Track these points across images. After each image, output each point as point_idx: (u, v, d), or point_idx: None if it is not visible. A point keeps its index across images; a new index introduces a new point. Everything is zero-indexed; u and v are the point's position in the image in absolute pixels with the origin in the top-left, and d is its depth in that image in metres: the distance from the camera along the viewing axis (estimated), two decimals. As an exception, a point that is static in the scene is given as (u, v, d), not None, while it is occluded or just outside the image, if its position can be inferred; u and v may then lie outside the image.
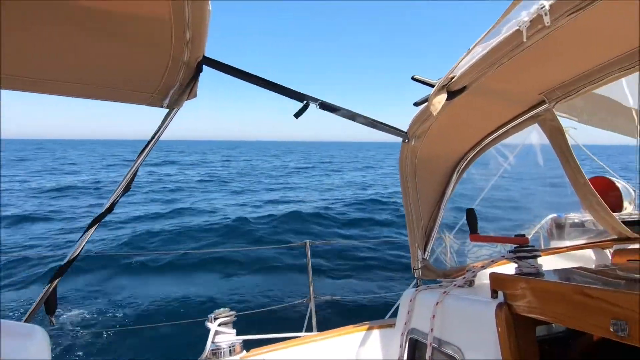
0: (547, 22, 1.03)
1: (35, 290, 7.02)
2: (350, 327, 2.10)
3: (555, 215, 2.27)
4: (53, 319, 1.50)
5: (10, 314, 6.07)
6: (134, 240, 10.62)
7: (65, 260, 1.46)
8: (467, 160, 2.02)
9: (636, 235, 1.85)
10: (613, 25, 1.15)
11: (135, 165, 1.48)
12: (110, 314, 6.25)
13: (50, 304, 1.46)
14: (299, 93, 1.65)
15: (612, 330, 0.95)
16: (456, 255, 2.40)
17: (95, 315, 6.20)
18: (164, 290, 7.16)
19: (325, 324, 2.49)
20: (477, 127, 1.86)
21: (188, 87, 1.42)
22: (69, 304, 6.47)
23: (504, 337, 1.28)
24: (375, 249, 8.95)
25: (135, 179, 1.55)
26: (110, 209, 1.49)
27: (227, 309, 1.99)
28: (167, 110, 1.47)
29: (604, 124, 5.04)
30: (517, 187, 2.55)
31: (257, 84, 1.61)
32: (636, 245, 1.76)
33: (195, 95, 1.50)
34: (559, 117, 4.84)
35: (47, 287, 1.43)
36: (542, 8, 1.01)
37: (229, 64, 1.54)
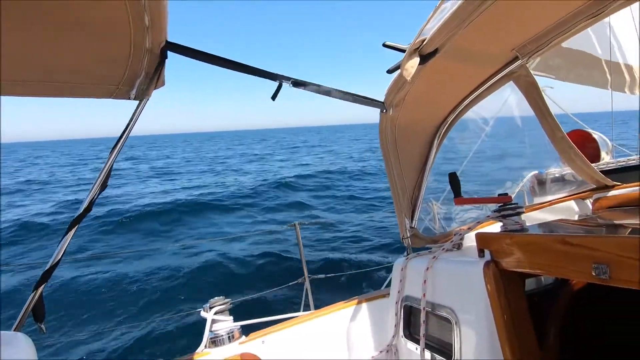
0: None
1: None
2: (346, 302, 2.13)
3: (537, 171, 2.31)
4: (43, 327, 1.47)
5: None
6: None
7: (48, 266, 1.42)
8: (447, 125, 2.01)
9: (614, 183, 1.90)
10: None
11: (109, 162, 1.43)
12: (99, 314, 6.19)
13: (37, 312, 1.42)
14: (270, 73, 1.61)
15: (594, 274, 0.97)
16: (444, 221, 2.44)
17: (83, 316, 6.14)
18: (153, 283, 7.14)
19: (322, 302, 2.52)
20: (453, 90, 1.85)
21: (155, 76, 1.36)
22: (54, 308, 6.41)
23: (493, 294, 1.31)
24: (364, 223, 9.09)
25: (110, 176, 1.51)
26: (88, 209, 1.45)
27: (222, 297, 1.99)
28: (136, 102, 1.42)
29: (581, 79, 5.11)
30: (498, 148, 2.57)
31: (226, 67, 1.56)
32: (614, 192, 1.81)
33: (163, 84, 1.45)
34: (537, 76, 4.85)
35: (32, 294, 1.39)
36: None
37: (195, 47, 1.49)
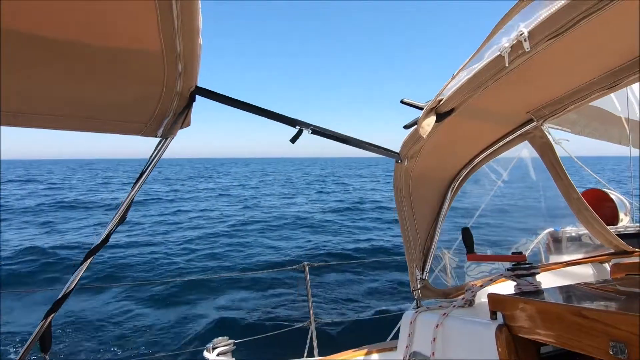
0: (527, 48, 1.06)
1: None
2: (351, 352, 2.07)
3: (552, 229, 2.27)
4: (47, 357, 1.47)
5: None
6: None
7: (60, 295, 1.44)
8: (461, 178, 2.03)
9: (633, 249, 1.85)
10: (592, 47, 1.18)
11: (131, 195, 1.48)
12: (100, 347, 6.07)
13: (45, 341, 1.43)
14: (291, 119, 1.68)
15: (611, 352, 0.94)
16: (456, 273, 2.39)
17: (85, 349, 6.04)
18: (156, 319, 7.01)
19: (327, 348, 2.44)
20: (468, 146, 1.88)
21: (181, 116, 1.44)
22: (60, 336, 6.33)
23: (505, 359, 1.27)
24: (373, 267, 8.86)
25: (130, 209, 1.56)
26: (105, 241, 1.48)
27: (225, 337, 1.96)
28: (160, 139, 1.49)
29: (597, 134, 5.12)
30: (513, 203, 2.55)
31: (249, 111, 1.64)
32: (635, 259, 1.75)
33: (189, 124, 1.52)
34: (552, 130, 4.88)
35: (41, 322, 1.41)
36: (521, 35, 1.04)
37: (222, 92, 1.59)
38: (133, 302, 7.82)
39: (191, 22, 0.95)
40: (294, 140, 1.72)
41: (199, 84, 1.43)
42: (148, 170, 1.48)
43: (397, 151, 1.89)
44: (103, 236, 1.46)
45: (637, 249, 1.84)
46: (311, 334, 3.05)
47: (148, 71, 1.15)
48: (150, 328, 6.67)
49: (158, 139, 1.50)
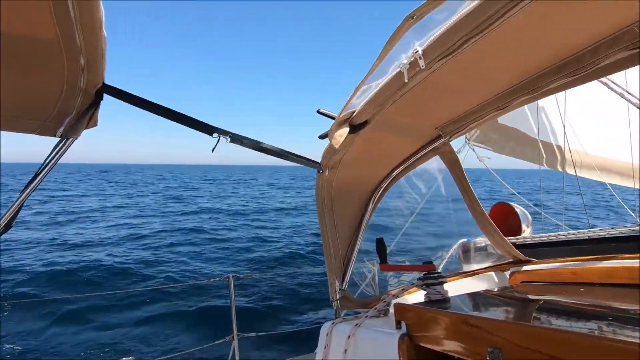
0: (423, 66, 1.11)
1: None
2: None
3: (464, 240, 2.41)
4: None
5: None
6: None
7: None
8: (381, 190, 2.08)
9: (527, 258, 2.02)
10: (482, 69, 1.27)
11: (20, 200, 1.32)
12: None
13: None
14: (209, 126, 1.61)
15: (488, 358, 0.99)
16: (379, 283, 2.43)
17: None
18: (71, 335, 6.40)
19: (250, 363, 2.35)
20: (386, 158, 1.94)
21: (86, 115, 1.32)
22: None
23: None
24: (300, 277, 8.82)
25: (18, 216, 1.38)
26: None
27: (131, 358, 1.80)
28: (60, 139, 1.35)
29: (514, 153, 5.65)
30: (432, 215, 2.68)
31: (162, 115, 1.54)
32: (528, 268, 1.91)
33: (95, 124, 1.40)
34: (476, 147, 5.24)
35: None
36: (416, 52, 1.09)
37: (132, 92, 1.48)
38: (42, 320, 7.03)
39: (90, 13, 0.89)
40: (214, 149, 1.66)
41: (109, 82, 1.33)
42: (43, 173, 1.33)
43: (319, 162, 1.90)
44: None
45: (530, 259, 2.01)
46: (234, 349, 2.93)
47: (45, 62, 1.04)
48: (63, 344, 6.03)
49: (57, 139, 1.37)
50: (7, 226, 1.35)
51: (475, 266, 2.20)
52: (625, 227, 2.04)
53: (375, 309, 1.75)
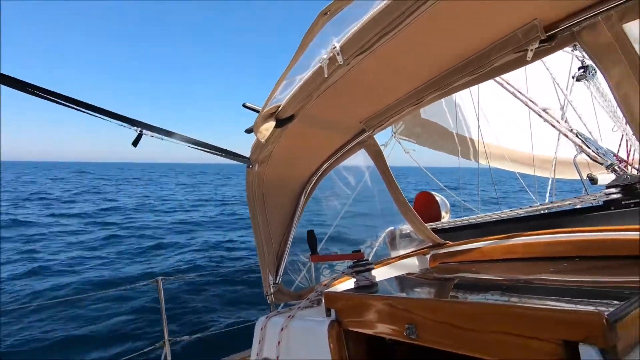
0: (341, 61, 1.15)
1: None
2: None
3: (392, 228, 2.56)
4: None
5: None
6: None
7: None
8: (312, 183, 2.13)
9: (444, 242, 2.21)
10: (399, 67, 1.36)
11: None
12: None
13: None
14: (129, 119, 1.51)
15: (405, 334, 1.08)
16: (313, 275, 2.49)
17: None
18: None
19: (184, 368, 2.26)
20: (315, 152, 1.99)
21: None
22: None
23: (335, 353, 1.35)
24: (232, 275, 8.69)
25: None
26: None
27: None
28: None
29: (436, 146, 6.10)
30: (360, 206, 2.80)
31: (71, 106, 1.41)
32: (445, 250, 2.10)
33: None
34: (402, 140, 5.53)
35: None
36: (334, 48, 1.13)
37: (29, 81, 1.32)
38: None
39: None
40: (135, 143, 1.55)
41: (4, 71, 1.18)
42: None
43: (248, 156, 1.88)
44: None
45: (446, 242, 2.21)
46: (165, 355, 2.80)
47: None
48: None
49: None
50: None
51: (401, 252, 2.35)
52: (523, 208, 2.33)
53: (308, 299, 1.80)
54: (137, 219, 20.14)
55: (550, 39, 1.09)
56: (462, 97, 5.64)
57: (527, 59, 1.14)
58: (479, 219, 2.46)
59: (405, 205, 2.04)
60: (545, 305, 0.87)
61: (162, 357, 2.78)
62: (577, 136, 1.78)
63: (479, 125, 5.47)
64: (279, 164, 1.90)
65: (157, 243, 13.92)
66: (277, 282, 2.04)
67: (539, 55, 1.14)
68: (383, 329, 1.20)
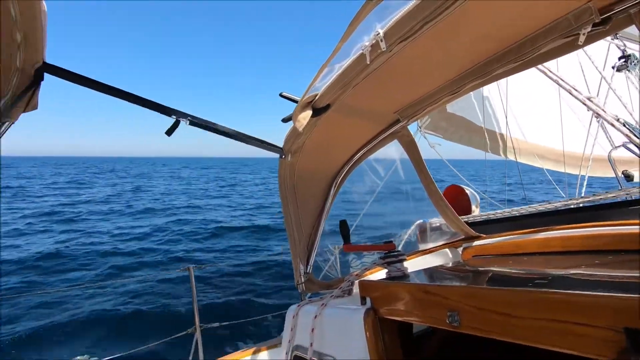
0: (384, 48, 1.15)
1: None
2: (238, 353, 2.01)
3: (421, 221, 2.54)
4: None
5: None
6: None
7: None
8: (343, 174, 2.13)
9: (478, 234, 2.18)
10: (439, 55, 1.35)
11: None
12: None
13: None
14: (166, 107, 1.55)
15: (447, 321, 1.07)
16: (342, 266, 2.51)
17: None
18: (18, 331, 6.00)
19: (214, 354, 2.33)
20: (347, 143, 1.99)
21: (23, 97, 1.22)
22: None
23: (372, 342, 1.35)
24: (263, 265, 8.87)
25: None
26: None
27: (86, 356, 1.72)
28: None
29: (462, 140, 5.97)
30: (391, 198, 2.79)
31: (115, 96, 1.46)
32: (478, 243, 2.07)
33: (35, 107, 1.30)
34: (427, 134, 5.43)
35: None
36: (377, 34, 1.13)
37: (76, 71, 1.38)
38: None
39: None
40: (170, 132, 1.59)
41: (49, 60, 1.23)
42: None
43: (281, 146, 1.90)
44: None
45: (480, 234, 2.17)
46: (196, 341, 2.88)
47: None
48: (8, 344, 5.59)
49: None
50: None
51: (431, 245, 2.33)
52: (553, 203, 2.27)
53: (340, 289, 1.81)
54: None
55: (604, 22, 1.05)
56: (490, 90, 5.50)
57: (579, 43, 1.10)
58: (514, 212, 2.41)
59: (439, 197, 2.02)
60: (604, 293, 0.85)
61: (194, 342, 2.87)
62: (624, 125, 1.70)
63: (506, 119, 5.33)
64: (311, 154, 1.92)
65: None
66: (307, 271, 2.07)
67: (590, 39, 1.10)
68: (423, 317, 1.20)
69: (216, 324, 3.06)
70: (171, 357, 4.26)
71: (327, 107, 1.56)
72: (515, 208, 2.43)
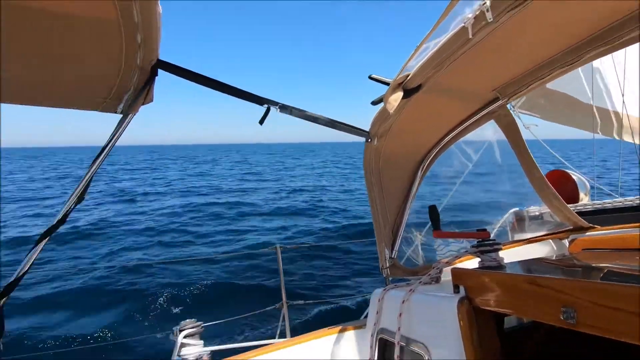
0: (490, 18, 1.05)
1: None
2: (323, 330, 2.08)
3: (517, 208, 2.34)
4: (0, 344, 1.40)
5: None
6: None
7: (13, 278, 1.37)
8: (431, 157, 2.04)
9: (589, 225, 1.93)
10: (553, 22, 1.19)
11: (89, 174, 1.41)
12: (57, 335, 5.79)
13: None
14: (258, 97, 1.64)
15: (562, 318, 0.97)
16: (426, 252, 2.43)
17: (45, 334, 5.80)
18: (121, 302, 6.91)
19: (300, 330, 2.46)
20: (437, 125, 1.89)
21: (143, 92, 1.38)
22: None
23: (466, 331, 1.30)
24: (348, 249, 9.02)
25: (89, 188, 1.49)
26: (62, 221, 1.41)
27: (193, 320, 1.93)
28: (121, 116, 1.43)
29: (564, 120, 5.23)
30: (482, 183, 2.61)
31: (215, 88, 1.59)
32: (591, 234, 1.83)
33: (151, 100, 1.46)
34: (522, 114, 4.90)
35: None
36: (483, 4, 1.03)
37: (186, 67, 1.52)
38: (91, 283, 7.60)
39: None
40: (262, 120, 1.68)
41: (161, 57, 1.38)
42: (108, 148, 1.42)
43: (367, 130, 1.88)
44: (60, 216, 1.39)
45: (593, 225, 1.92)
46: (283, 316, 3.07)
47: (105, 41, 1.09)
48: (112, 311, 6.53)
49: (118, 116, 1.44)
50: (80, 198, 1.45)
51: (528, 235, 2.13)
52: None
53: (428, 275, 1.76)
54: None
55: None
56: (603, 61, 4.73)
57: None
58: (631, 202, 2.09)
59: (543, 183, 1.82)
60: None
61: (281, 316, 3.07)
62: None
63: (622, 95, 4.55)
64: (398, 137, 1.86)
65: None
66: (392, 256, 2.04)
67: None
68: (528, 311, 1.11)
69: (301, 302, 3.22)
70: (261, 328, 4.63)
71: (419, 87, 1.49)
72: (630, 198, 2.09)
